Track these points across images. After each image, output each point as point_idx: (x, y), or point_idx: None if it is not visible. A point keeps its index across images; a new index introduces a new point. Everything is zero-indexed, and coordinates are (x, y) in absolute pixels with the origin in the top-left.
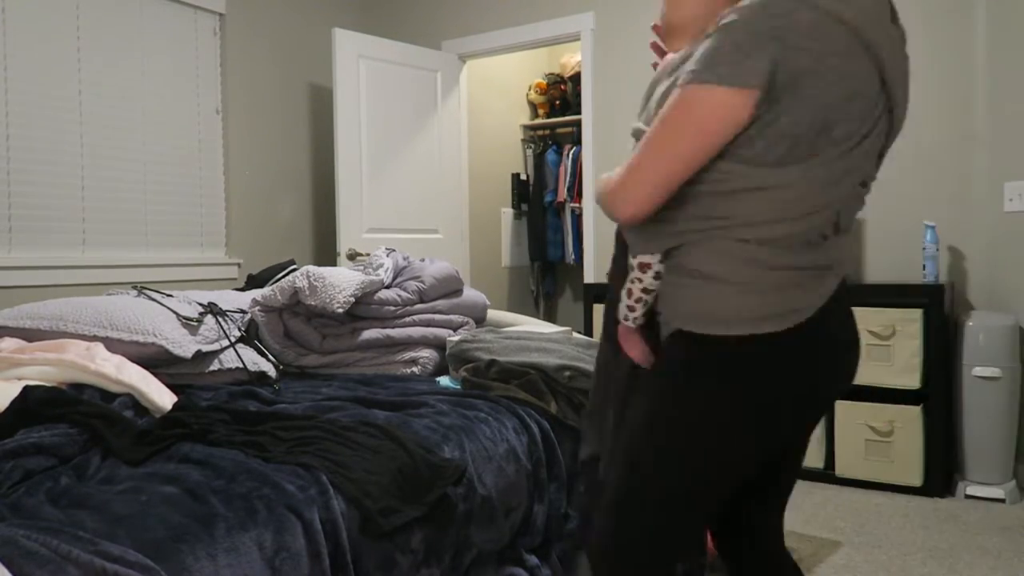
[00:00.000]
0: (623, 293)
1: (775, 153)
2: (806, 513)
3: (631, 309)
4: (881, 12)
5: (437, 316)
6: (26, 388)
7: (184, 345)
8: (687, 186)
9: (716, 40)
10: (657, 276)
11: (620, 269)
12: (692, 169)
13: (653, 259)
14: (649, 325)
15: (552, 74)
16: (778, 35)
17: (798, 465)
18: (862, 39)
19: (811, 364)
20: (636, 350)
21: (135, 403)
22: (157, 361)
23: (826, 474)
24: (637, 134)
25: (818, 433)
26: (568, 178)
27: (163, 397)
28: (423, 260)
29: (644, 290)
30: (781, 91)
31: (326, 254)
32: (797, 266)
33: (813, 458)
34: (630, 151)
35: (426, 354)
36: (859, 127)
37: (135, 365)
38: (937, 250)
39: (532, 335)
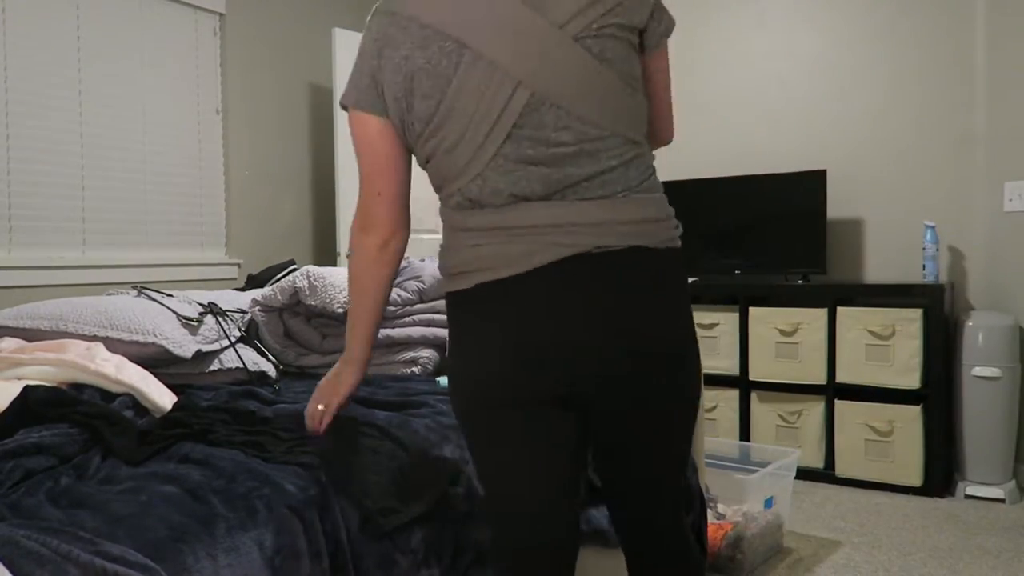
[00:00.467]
0: None
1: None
2: (806, 513)
3: None
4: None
5: (437, 316)
6: (26, 388)
7: (184, 345)
8: None
9: None
10: None
11: None
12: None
13: None
14: None
15: None
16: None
17: (623, 455)
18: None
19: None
20: None
21: (135, 403)
22: (157, 361)
23: (826, 474)
24: None
25: (818, 433)
26: None
27: (163, 397)
28: (423, 260)
29: None
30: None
31: (326, 254)
32: (465, 228)
33: (813, 458)
34: None
35: (426, 354)
36: (439, 97)
37: (135, 365)
38: (937, 250)
39: None
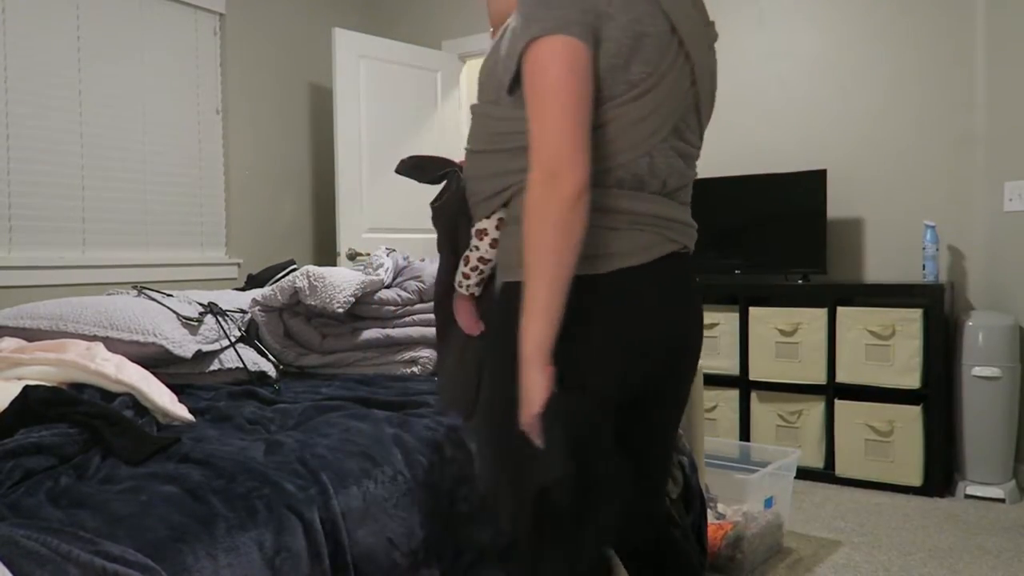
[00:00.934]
0: (461, 261)
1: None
2: (806, 513)
3: (465, 276)
4: None
5: None
6: (26, 388)
7: (184, 345)
8: (512, 140)
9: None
10: (494, 244)
11: (446, 246)
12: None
13: (489, 224)
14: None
15: None
16: None
17: (653, 439)
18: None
19: (622, 315)
20: (464, 317)
21: (135, 403)
22: (157, 361)
23: (826, 474)
24: (471, 111)
25: (818, 433)
26: None
27: (163, 397)
28: (423, 260)
29: (481, 259)
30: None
31: (326, 254)
32: (608, 209)
33: (813, 458)
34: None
35: (426, 354)
36: (654, 70)
37: (135, 365)
38: (937, 250)
39: None
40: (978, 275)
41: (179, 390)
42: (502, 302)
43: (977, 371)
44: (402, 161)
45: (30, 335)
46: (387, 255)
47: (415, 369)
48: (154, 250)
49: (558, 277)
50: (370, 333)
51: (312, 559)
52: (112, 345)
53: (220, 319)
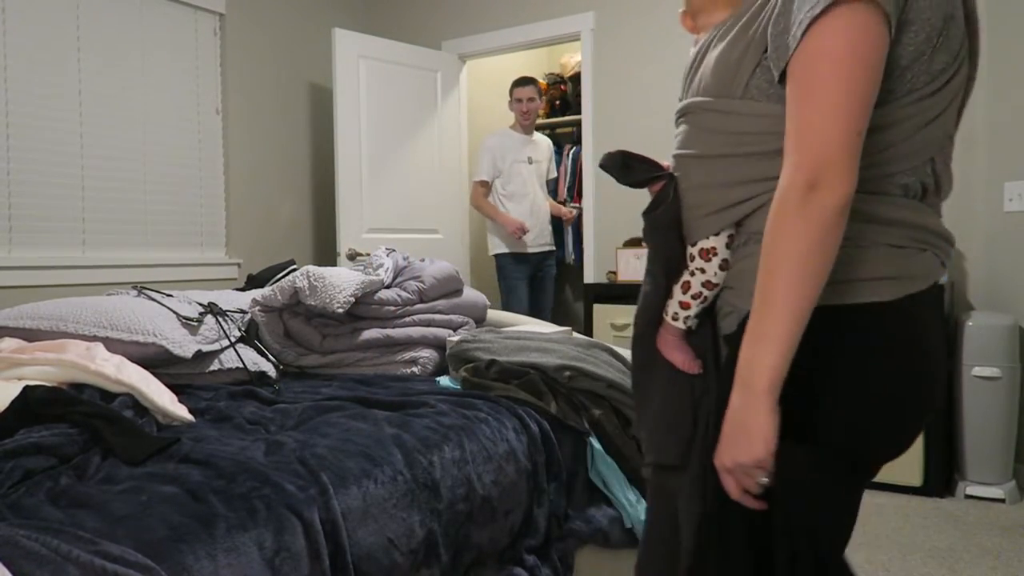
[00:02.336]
0: (676, 288)
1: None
2: None
3: (684, 307)
4: None
5: (437, 316)
6: (26, 388)
7: (184, 345)
8: (759, 143)
9: None
10: (723, 265)
11: (660, 268)
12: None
13: (719, 242)
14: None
15: (552, 74)
16: None
17: None
18: None
19: (909, 345)
20: (679, 354)
21: (135, 403)
22: (157, 361)
23: None
24: (686, 110)
25: None
26: (568, 178)
27: (163, 397)
28: (423, 260)
29: (706, 283)
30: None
31: (326, 254)
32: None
33: None
34: (674, 134)
35: (426, 354)
36: (954, 59)
37: (135, 365)
38: None
39: (532, 335)
40: (978, 275)
41: (179, 390)
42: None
43: (977, 371)
44: (610, 155)
45: (30, 335)
46: (387, 255)
47: (415, 369)
48: (154, 250)
49: (805, 301)
50: (370, 333)
51: (312, 559)
52: (112, 345)
53: (220, 319)
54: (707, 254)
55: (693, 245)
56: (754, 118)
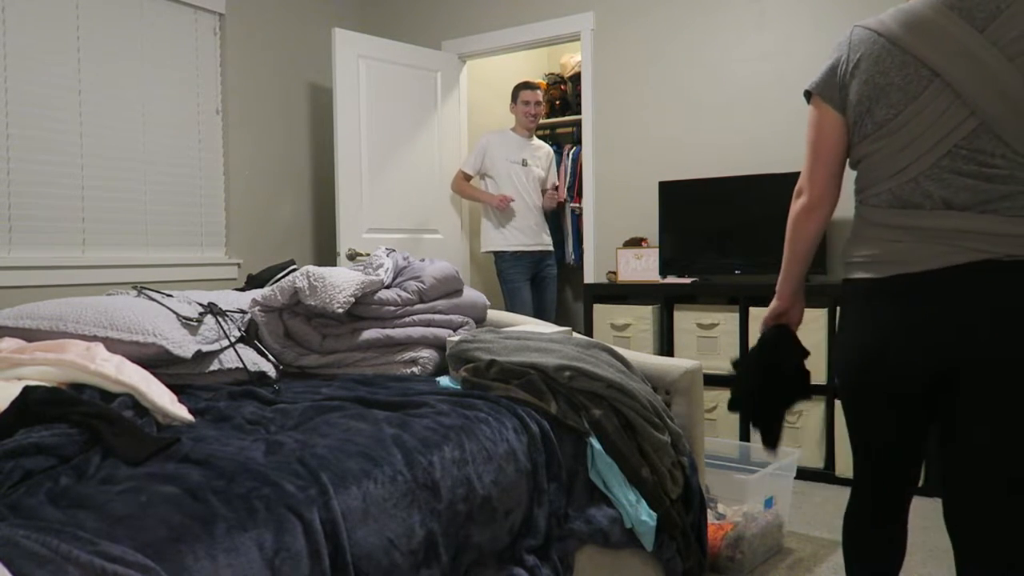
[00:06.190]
0: None
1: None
2: (806, 513)
3: None
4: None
5: (437, 316)
6: (26, 388)
7: (184, 345)
8: None
9: None
10: None
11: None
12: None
13: None
14: None
15: (552, 74)
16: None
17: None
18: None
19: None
20: None
21: (135, 403)
22: (157, 361)
23: (826, 474)
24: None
25: (818, 433)
26: (568, 178)
27: (163, 397)
28: (423, 260)
29: None
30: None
31: (326, 254)
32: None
33: (813, 458)
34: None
35: (426, 354)
36: (897, 113)
37: (135, 365)
38: None
39: (532, 335)
40: None
41: (179, 390)
42: None
43: None
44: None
45: (30, 335)
46: (387, 255)
47: (415, 369)
48: (154, 250)
49: (790, 264)
50: (370, 333)
51: (312, 559)
52: (112, 345)
53: (220, 319)
54: None
55: None
56: None
